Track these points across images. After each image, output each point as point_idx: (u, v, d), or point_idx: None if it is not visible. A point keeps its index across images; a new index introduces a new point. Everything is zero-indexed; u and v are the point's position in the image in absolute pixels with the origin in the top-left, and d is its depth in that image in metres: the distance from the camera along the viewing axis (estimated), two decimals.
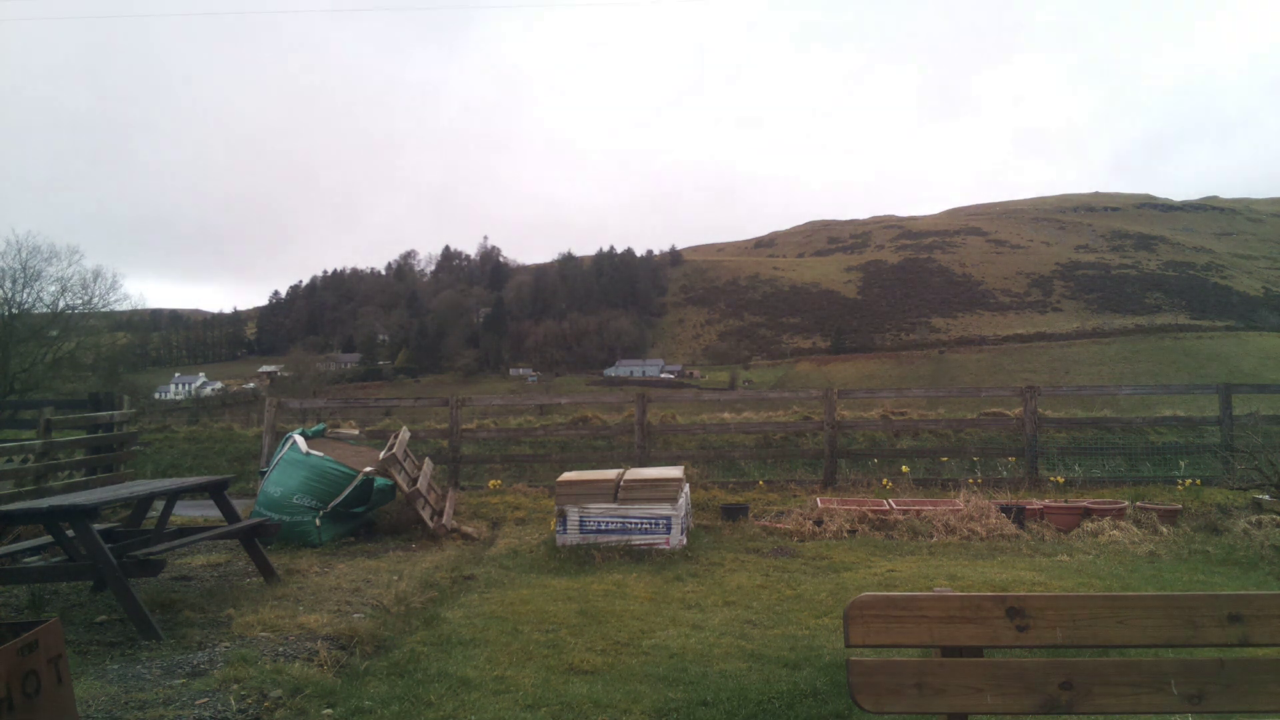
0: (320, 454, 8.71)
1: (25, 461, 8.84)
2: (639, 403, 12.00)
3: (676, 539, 7.80)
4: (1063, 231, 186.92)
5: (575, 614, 5.72)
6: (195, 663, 4.55)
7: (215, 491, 6.61)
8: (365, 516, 8.82)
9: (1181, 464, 11.70)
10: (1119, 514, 8.85)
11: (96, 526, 5.47)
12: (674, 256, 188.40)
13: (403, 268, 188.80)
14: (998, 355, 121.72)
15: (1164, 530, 8.46)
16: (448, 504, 9.31)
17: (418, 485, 8.63)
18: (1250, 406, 12.41)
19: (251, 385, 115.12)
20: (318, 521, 8.19)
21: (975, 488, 10.43)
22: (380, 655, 4.93)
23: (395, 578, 6.70)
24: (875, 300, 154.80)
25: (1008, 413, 14.23)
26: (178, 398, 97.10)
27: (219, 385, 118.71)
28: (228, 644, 4.89)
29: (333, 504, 8.31)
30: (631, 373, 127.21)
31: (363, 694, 4.23)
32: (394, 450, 8.54)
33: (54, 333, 33.06)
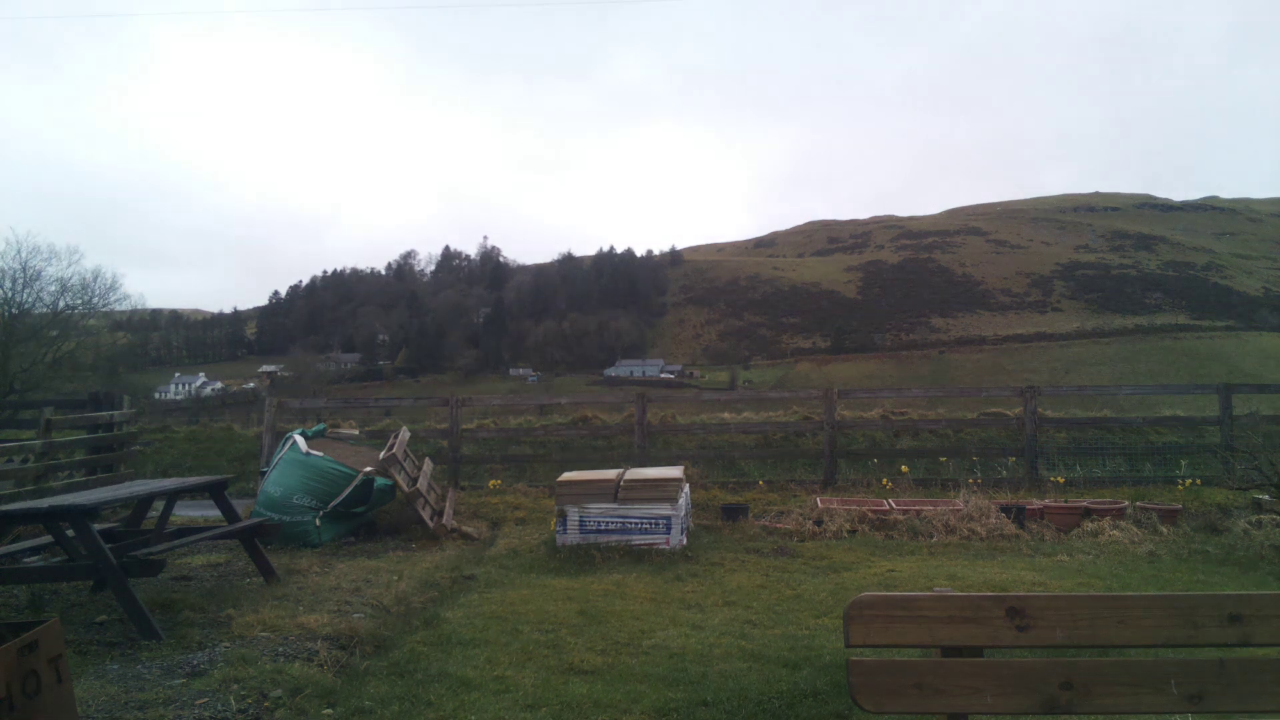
0: (320, 454, 8.71)
1: (25, 461, 8.84)
2: (639, 403, 11.99)
3: (676, 539, 7.80)
4: (1063, 231, 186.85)
5: (575, 614, 5.72)
6: (195, 663, 4.55)
7: (215, 491, 6.61)
8: (365, 516, 8.82)
9: (1182, 464, 11.70)
10: (1119, 514, 8.85)
11: (96, 526, 5.47)
12: (674, 256, 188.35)
13: (403, 268, 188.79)
14: (998, 355, 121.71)
15: (1164, 530, 8.46)
16: (448, 504, 9.31)
17: (418, 485, 8.63)
18: (1250, 406, 12.41)
19: (251, 385, 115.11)
20: (318, 521, 8.19)
21: (975, 488, 10.42)
22: (380, 655, 4.93)
23: (395, 578, 6.70)
24: (875, 300, 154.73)
25: (1008, 413, 14.23)
26: (178, 398, 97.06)
27: (219, 385, 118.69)
28: (228, 644, 4.89)
29: (333, 504, 8.31)
30: (631, 373, 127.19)
31: (363, 694, 4.23)
32: (394, 450, 8.54)
33: (54, 333, 33.03)
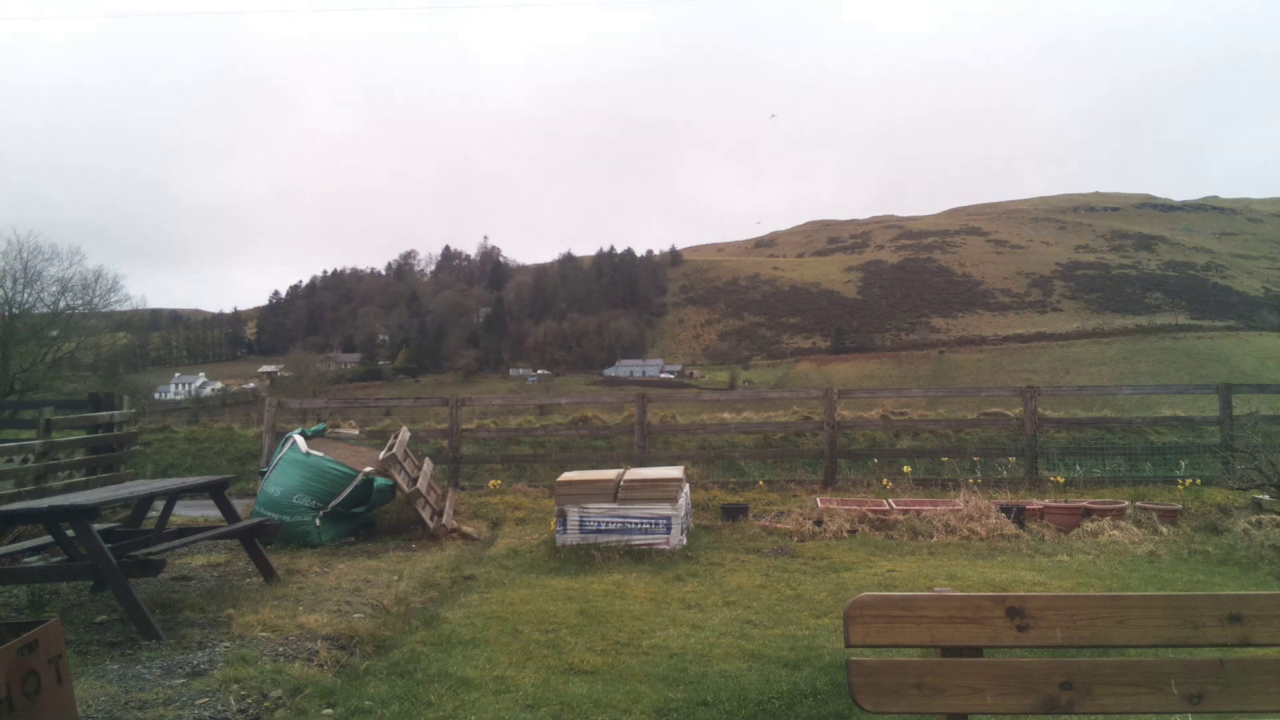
0: (320, 454, 8.71)
1: (25, 461, 8.84)
2: (639, 403, 12.00)
3: (676, 539, 7.80)
4: (1063, 231, 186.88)
5: (575, 614, 5.72)
6: (195, 663, 4.55)
7: (215, 491, 6.61)
8: (365, 516, 8.82)
9: (1182, 464, 11.70)
10: (1119, 514, 8.85)
11: (96, 526, 5.47)
12: (674, 256, 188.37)
13: (403, 268, 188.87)
14: (998, 355, 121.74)
15: (1164, 530, 8.46)
16: (448, 504, 9.31)
17: (418, 485, 8.63)
18: (1250, 406, 12.41)
19: (251, 385, 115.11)
20: (318, 521, 8.19)
21: (975, 488, 10.43)
22: (380, 655, 4.93)
23: (395, 578, 6.70)
24: (875, 300, 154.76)
25: (1008, 413, 14.23)
26: (178, 398, 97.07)
27: (219, 385, 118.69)
28: (228, 644, 4.89)
29: (333, 504, 8.31)
30: (631, 373, 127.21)
31: (363, 694, 4.23)
32: (394, 450, 8.55)
33: (54, 333, 33.03)
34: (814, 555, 7.68)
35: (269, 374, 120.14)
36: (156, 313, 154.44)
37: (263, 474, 9.42)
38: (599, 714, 4.01)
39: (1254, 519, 8.38)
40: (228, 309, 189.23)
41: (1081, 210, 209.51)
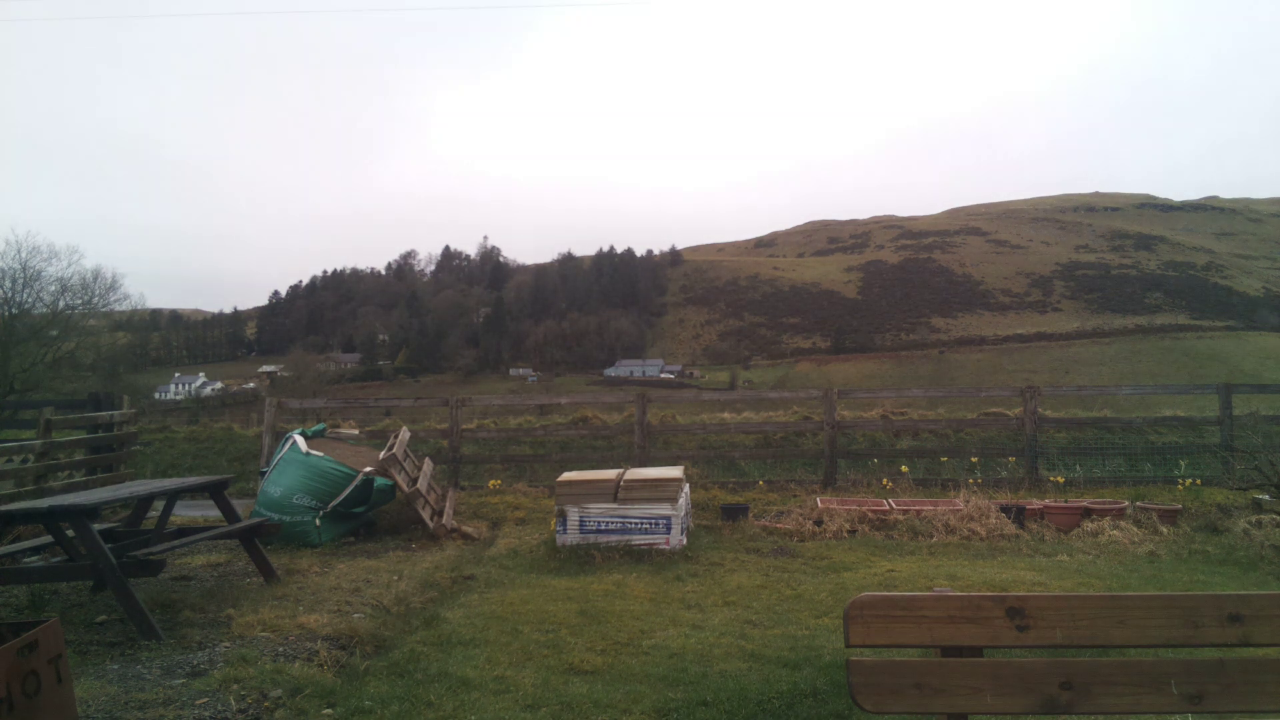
0: (320, 454, 8.71)
1: (25, 461, 8.84)
2: (639, 403, 12.00)
3: (676, 539, 7.80)
4: (1063, 231, 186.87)
5: (575, 614, 5.72)
6: (195, 663, 4.55)
7: (215, 491, 6.61)
8: (365, 516, 8.82)
9: (1182, 464, 11.70)
10: (1119, 514, 8.85)
11: (96, 526, 5.47)
12: (674, 256, 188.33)
13: (403, 268, 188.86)
14: (998, 355, 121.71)
15: (1164, 530, 8.46)
16: (448, 504, 9.31)
17: (418, 485, 8.63)
18: (1250, 406, 12.41)
19: (251, 385, 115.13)
20: (318, 521, 8.19)
21: (975, 488, 10.43)
22: (380, 655, 4.93)
23: (395, 578, 6.70)
24: (875, 300, 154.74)
25: (1008, 413, 14.24)
26: (178, 398, 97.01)
27: (219, 385, 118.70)
28: (228, 644, 4.89)
29: (333, 504, 8.31)
30: (631, 373, 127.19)
31: (363, 694, 4.23)
32: (394, 450, 8.55)
33: (54, 333, 33.06)
34: (814, 555, 7.68)
35: (269, 374, 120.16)
36: (156, 313, 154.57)
37: (263, 474, 9.42)
38: (599, 714, 4.01)
39: (1254, 519, 8.38)
40: (228, 309, 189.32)
41: (1081, 210, 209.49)
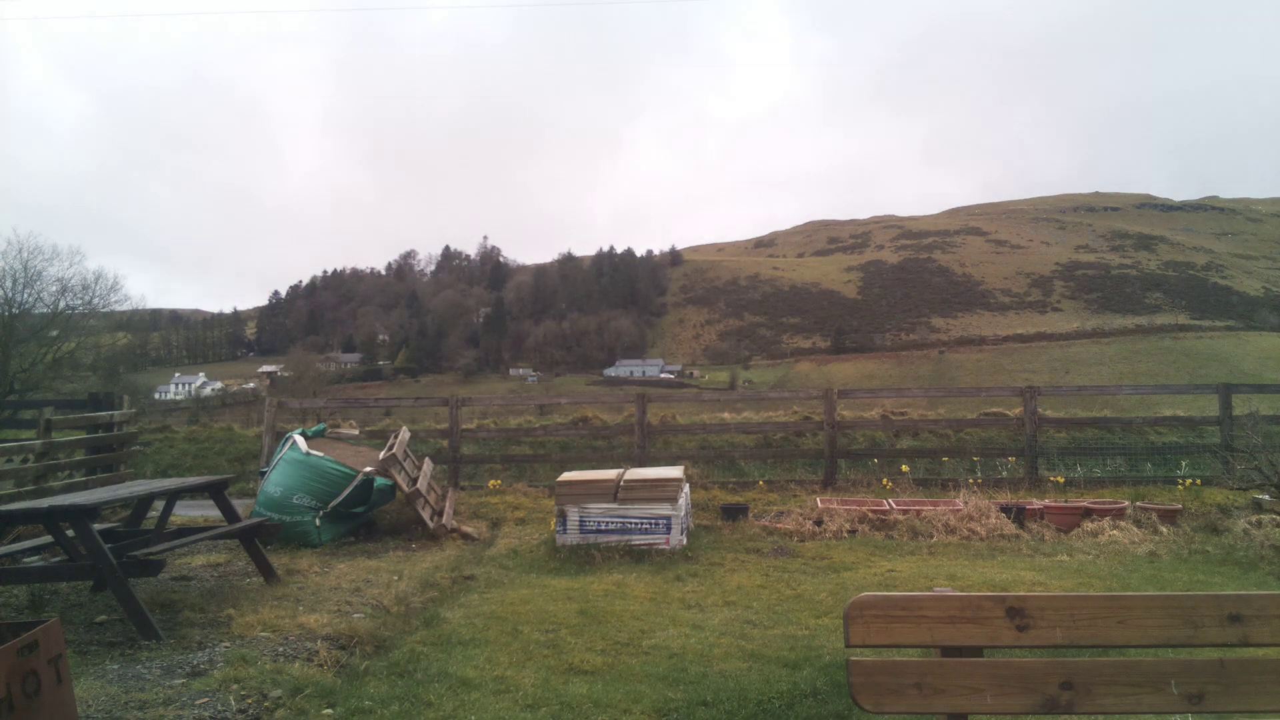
0: (320, 454, 8.71)
1: (25, 461, 8.84)
2: (639, 403, 11.99)
3: (676, 539, 7.80)
4: (1063, 231, 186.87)
5: (575, 614, 5.72)
6: (195, 663, 4.55)
7: (215, 491, 6.61)
8: (365, 516, 8.82)
9: (1182, 464, 11.70)
10: (1119, 514, 8.85)
11: (96, 526, 5.46)
12: (674, 256, 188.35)
13: (403, 268, 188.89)
14: (998, 355, 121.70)
15: (1164, 530, 8.46)
16: (448, 504, 9.31)
17: (418, 485, 8.63)
18: (1250, 406, 12.40)
19: (251, 385, 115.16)
20: (318, 521, 8.19)
21: (975, 488, 10.42)
22: (380, 655, 4.93)
23: (395, 578, 6.70)
24: (875, 300, 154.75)
25: (1008, 413, 14.23)
26: (178, 398, 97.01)
27: (219, 385, 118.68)
28: (228, 644, 4.89)
29: (333, 504, 8.31)
30: (631, 373, 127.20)
31: (363, 694, 4.23)
32: (394, 450, 8.54)
33: (54, 333, 33.04)
34: (814, 555, 7.68)
35: (269, 374, 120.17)
36: (156, 313, 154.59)
37: (263, 474, 9.42)
38: (599, 714, 4.01)
39: (1254, 519, 8.38)
40: (228, 309, 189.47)
41: (1081, 210, 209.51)
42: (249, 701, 4.02)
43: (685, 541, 7.99)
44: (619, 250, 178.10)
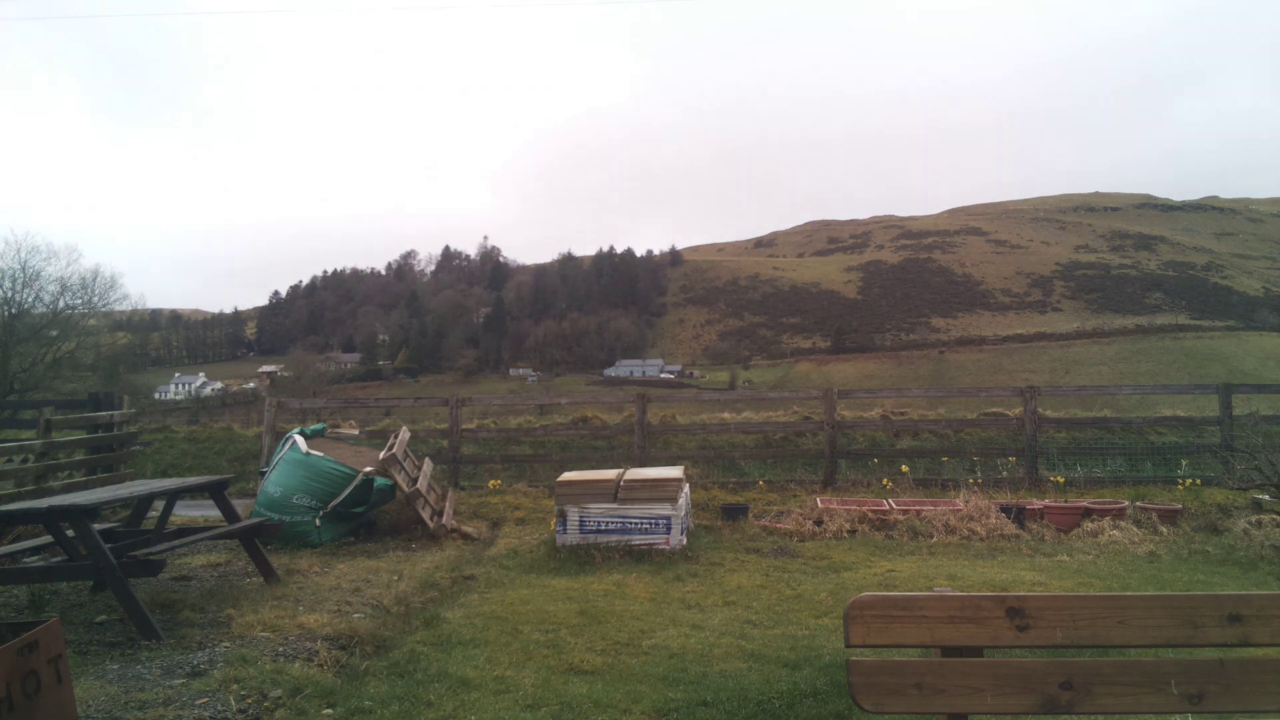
0: (320, 454, 8.71)
1: (25, 461, 8.84)
2: (639, 403, 11.99)
3: (676, 539, 7.80)
4: (1063, 231, 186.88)
5: (575, 614, 5.72)
6: (195, 663, 4.55)
7: (215, 491, 6.61)
8: (365, 516, 8.82)
9: (1182, 464, 11.70)
10: (1119, 514, 8.85)
11: (96, 526, 5.47)
12: (674, 256, 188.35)
13: (403, 268, 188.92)
14: (998, 355, 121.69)
15: (1164, 530, 8.46)
16: (448, 504, 9.31)
17: (418, 485, 8.63)
18: (1250, 406, 12.40)
19: (251, 385, 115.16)
20: (318, 521, 8.19)
21: (975, 488, 10.42)
22: (380, 655, 4.93)
23: (395, 578, 6.70)
24: (875, 300, 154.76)
25: (1008, 413, 14.22)
26: (178, 398, 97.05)
27: (219, 385, 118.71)
28: (228, 644, 4.89)
29: (333, 504, 8.31)
30: (631, 373, 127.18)
31: (363, 694, 4.23)
32: (394, 450, 8.54)
33: (54, 333, 33.05)
34: (814, 555, 7.68)
35: (269, 374, 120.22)
36: (156, 313, 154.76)
37: (263, 474, 9.42)
38: (599, 714, 4.01)
39: (1254, 519, 8.38)
40: (228, 309, 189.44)
41: (1081, 210, 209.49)
42: (249, 701, 4.02)
43: (685, 541, 7.99)
44: (619, 250, 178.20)
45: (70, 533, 5.50)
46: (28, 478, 8.59)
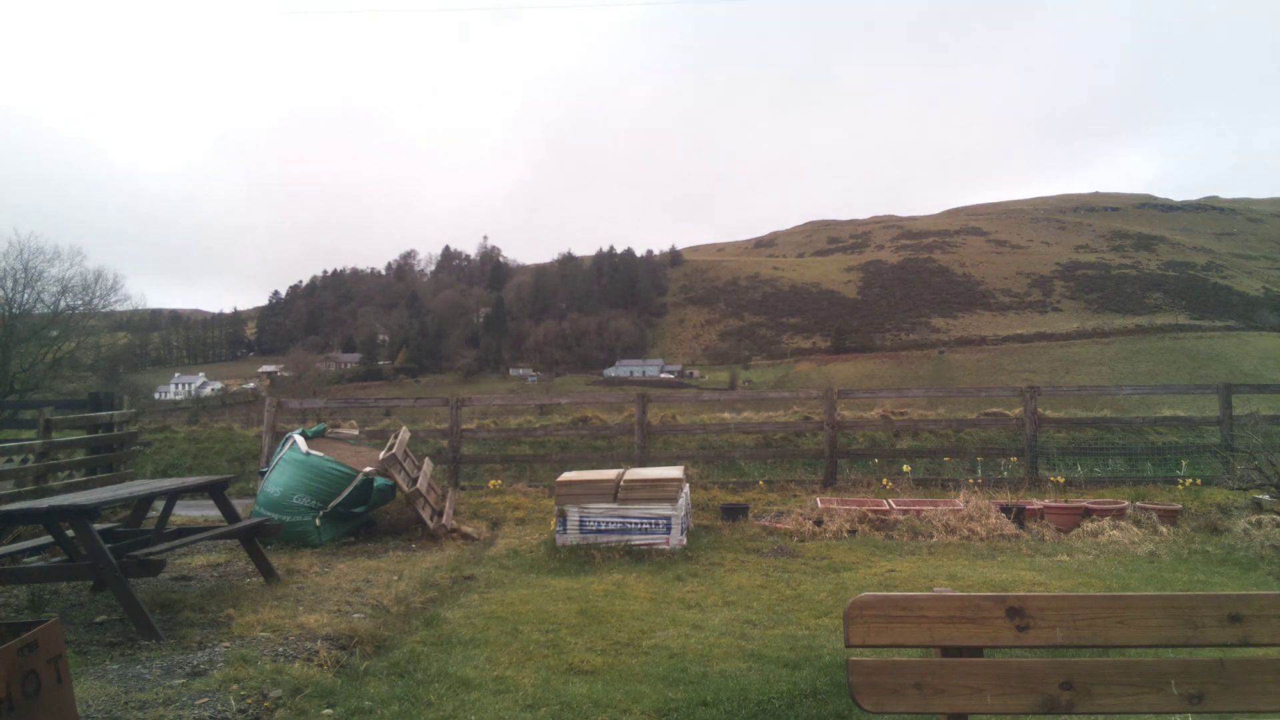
0: (320, 454, 8.71)
1: (25, 461, 8.85)
2: (639, 403, 11.99)
3: (676, 539, 7.80)
4: (1063, 231, 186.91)
5: (575, 614, 5.72)
6: (195, 663, 4.55)
7: (215, 491, 6.61)
8: (365, 516, 8.82)
9: (1182, 464, 11.70)
10: (1119, 514, 8.85)
11: (96, 526, 5.47)
12: (674, 256, 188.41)
13: (403, 268, 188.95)
14: (998, 355, 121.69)
15: (1164, 530, 8.46)
16: (448, 504, 9.31)
17: (418, 485, 8.63)
18: (1250, 406, 12.40)
19: (251, 385, 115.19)
20: (318, 521, 8.19)
21: (975, 488, 10.43)
22: (380, 655, 4.93)
23: (395, 578, 6.70)
24: (875, 300, 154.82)
25: (1008, 413, 14.23)
26: (178, 398, 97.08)
27: (219, 385, 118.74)
28: (228, 644, 4.89)
29: (333, 504, 8.31)
30: (631, 373, 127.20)
31: (363, 694, 4.23)
32: (394, 450, 8.54)
33: (54, 333, 33.03)
34: (814, 555, 7.68)
35: (269, 374, 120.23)
36: (156, 313, 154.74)
37: (263, 474, 9.42)
38: (599, 714, 4.00)
39: (1254, 519, 8.38)
40: (228, 309, 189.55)
41: (1081, 210, 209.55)
42: (249, 701, 4.02)
43: (685, 541, 7.99)
44: (619, 250, 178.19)
45: (70, 533, 5.50)
46: (28, 478, 8.59)
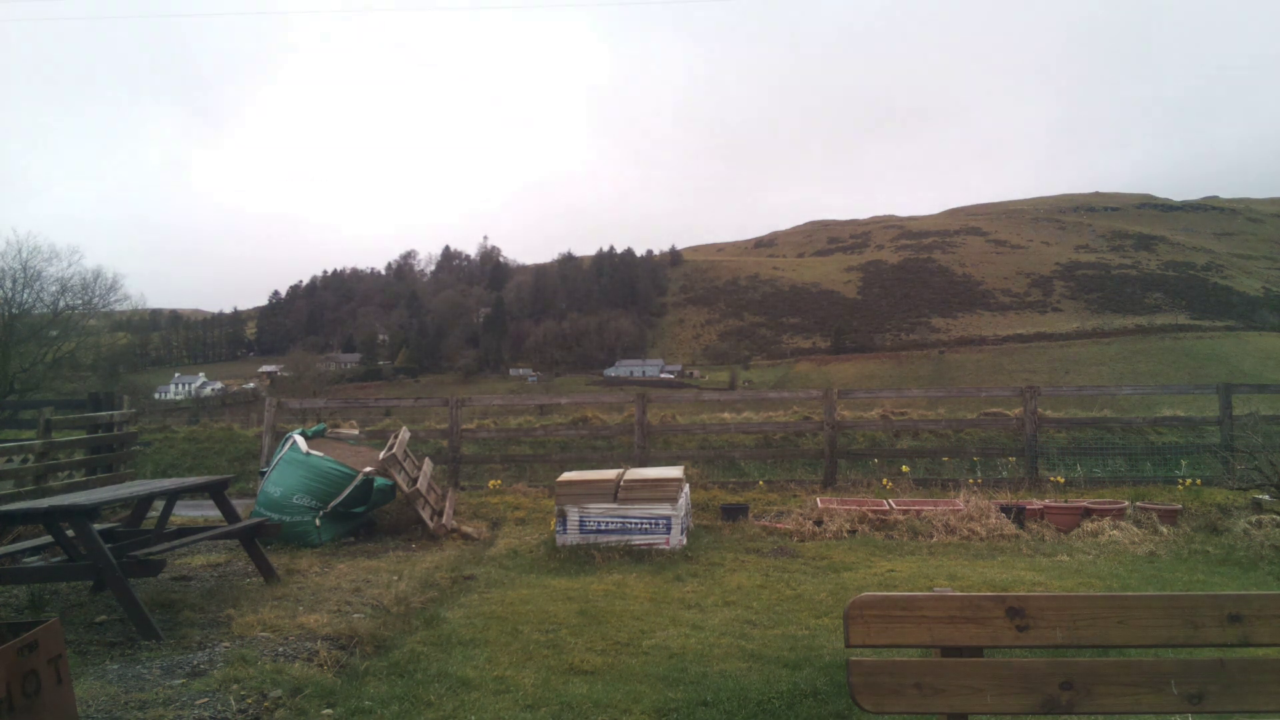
0: (320, 454, 8.71)
1: (25, 461, 8.84)
2: (639, 403, 11.99)
3: (676, 539, 7.80)
4: (1063, 231, 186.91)
5: (575, 614, 5.72)
6: (195, 663, 4.55)
7: (215, 491, 6.61)
8: (365, 516, 8.82)
9: (1182, 464, 11.70)
10: (1119, 514, 8.85)
11: (96, 526, 5.47)
12: (674, 256, 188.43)
13: (403, 268, 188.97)
14: (998, 355, 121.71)
15: (1164, 530, 8.46)
16: (448, 504, 9.31)
17: (418, 485, 8.63)
18: (1250, 406, 12.40)
19: (251, 385, 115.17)
20: (318, 521, 8.19)
21: (975, 488, 10.42)
22: (380, 655, 4.93)
23: (395, 578, 6.70)
24: (875, 300, 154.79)
25: (1008, 413, 14.22)
26: (178, 398, 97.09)
27: (219, 385, 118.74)
28: (228, 644, 4.89)
29: (333, 504, 8.31)
30: (631, 373, 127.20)
31: (363, 694, 4.23)
32: (394, 450, 8.54)
33: (54, 333, 33.06)
34: (814, 555, 7.68)
35: (269, 374, 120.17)
36: (156, 313, 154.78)
37: (263, 474, 9.42)
38: (599, 714, 4.01)
39: (1254, 519, 8.38)
40: (228, 309, 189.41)
41: (1081, 210, 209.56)
42: (249, 701, 4.02)
43: (685, 541, 7.99)
44: (619, 250, 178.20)
45: (70, 533, 5.50)
46: (28, 478, 8.59)
